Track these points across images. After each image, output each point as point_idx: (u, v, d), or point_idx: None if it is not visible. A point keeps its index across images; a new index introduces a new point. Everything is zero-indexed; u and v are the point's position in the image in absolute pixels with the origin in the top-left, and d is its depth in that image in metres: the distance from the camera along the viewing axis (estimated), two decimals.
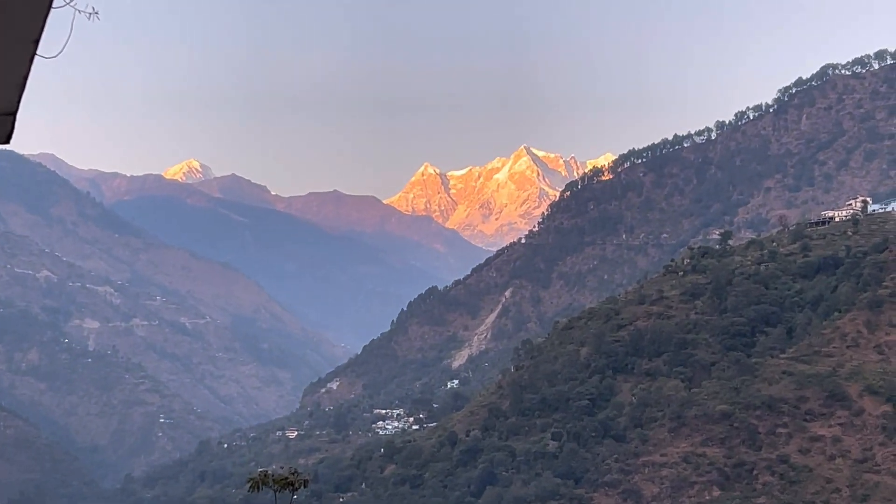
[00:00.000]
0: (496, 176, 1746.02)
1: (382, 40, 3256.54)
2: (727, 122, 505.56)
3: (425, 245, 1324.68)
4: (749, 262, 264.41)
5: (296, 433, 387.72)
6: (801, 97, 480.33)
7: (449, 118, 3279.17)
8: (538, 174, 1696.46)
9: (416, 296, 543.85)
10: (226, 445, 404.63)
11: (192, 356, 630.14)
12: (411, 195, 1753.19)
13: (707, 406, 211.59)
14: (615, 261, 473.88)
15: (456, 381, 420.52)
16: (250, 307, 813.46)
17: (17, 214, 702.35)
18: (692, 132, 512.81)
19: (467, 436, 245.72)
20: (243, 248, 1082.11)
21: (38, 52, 12.60)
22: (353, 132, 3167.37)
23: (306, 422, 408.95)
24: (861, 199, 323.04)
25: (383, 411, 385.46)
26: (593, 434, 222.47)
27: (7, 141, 14.71)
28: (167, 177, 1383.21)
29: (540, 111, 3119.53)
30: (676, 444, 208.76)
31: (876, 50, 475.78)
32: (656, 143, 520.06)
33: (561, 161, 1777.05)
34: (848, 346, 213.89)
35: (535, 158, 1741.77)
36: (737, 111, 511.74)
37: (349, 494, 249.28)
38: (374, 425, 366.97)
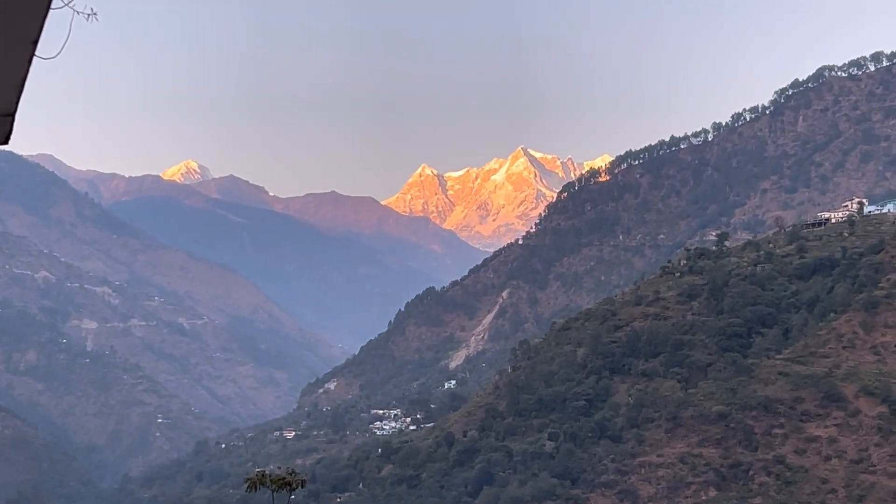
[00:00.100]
0: (493, 177, 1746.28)
1: (380, 42, 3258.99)
2: (724, 124, 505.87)
3: (423, 246, 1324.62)
4: (745, 264, 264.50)
5: (293, 433, 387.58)
6: (797, 99, 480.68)
7: (446, 119, 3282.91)
8: (535, 175, 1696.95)
9: (413, 296, 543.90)
10: (223, 445, 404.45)
11: (190, 357, 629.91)
12: (409, 196, 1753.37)
13: (703, 407, 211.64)
14: (612, 262, 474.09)
15: (453, 382, 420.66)
16: (248, 308, 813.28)
17: (15, 215, 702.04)
18: (689, 134, 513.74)
19: (464, 436, 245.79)
20: (241, 248, 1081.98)
21: (36, 53, 12.61)
22: (351, 133, 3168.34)
23: (304, 422, 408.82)
24: (857, 200, 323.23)
25: (380, 412, 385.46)
26: (590, 434, 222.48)
27: (6, 141, 14.72)
28: (165, 178, 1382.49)
29: (537, 113, 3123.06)
30: (673, 444, 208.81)
31: (872, 52, 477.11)
32: (653, 144, 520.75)
33: (558, 162, 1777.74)
34: (844, 347, 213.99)
35: (532, 160, 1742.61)
36: (733, 113, 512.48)
37: (346, 494, 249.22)
38: (371, 426, 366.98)
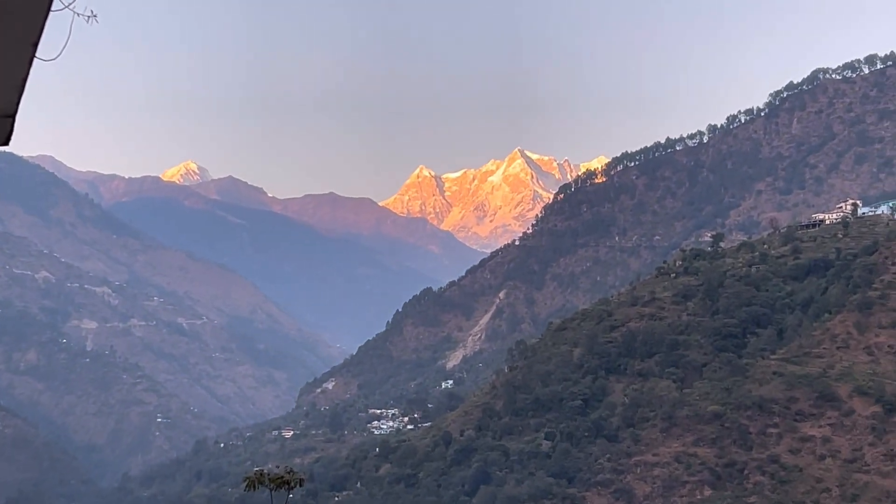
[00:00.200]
0: (490, 178, 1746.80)
1: (379, 45, 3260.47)
2: (719, 126, 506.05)
3: (420, 247, 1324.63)
4: (740, 264, 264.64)
5: (292, 433, 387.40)
6: (792, 101, 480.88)
7: (444, 121, 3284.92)
8: (532, 177, 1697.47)
9: (411, 297, 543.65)
10: (222, 445, 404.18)
11: (190, 356, 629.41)
12: (406, 197, 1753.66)
13: (698, 406, 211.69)
14: (608, 262, 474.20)
15: (450, 382, 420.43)
16: (247, 308, 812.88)
17: (15, 216, 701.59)
18: (684, 135, 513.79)
19: (461, 435, 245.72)
20: (240, 249, 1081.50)
21: (37, 54, 12.60)
22: (349, 135, 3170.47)
23: (302, 421, 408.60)
24: (851, 201, 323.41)
25: (378, 411, 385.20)
26: (586, 434, 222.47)
27: (6, 143, 14.71)
28: (165, 179, 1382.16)
29: (534, 114, 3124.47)
30: (668, 443, 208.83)
31: (866, 54, 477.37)
32: (649, 146, 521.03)
33: (555, 164, 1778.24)
34: (838, 348, 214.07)
35: (529, 161, 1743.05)
36: (728, 115, 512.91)
37: (344, 493, 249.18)
38: (369, 425, 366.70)
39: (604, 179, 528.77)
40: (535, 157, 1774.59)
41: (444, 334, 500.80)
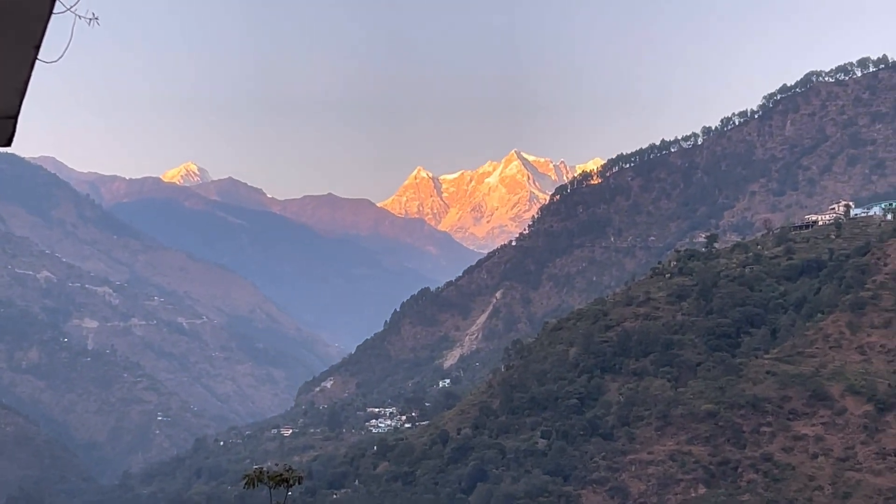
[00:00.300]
0: (487, 180, 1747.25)
1: (377, 48, 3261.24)
2: (713, 128, 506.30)
3: (418, 247, 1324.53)
4: (734, 265, 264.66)
5: (290, 431, 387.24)
6: (785, 103, 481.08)
7: (441, 123, 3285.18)
8: (528, 178, 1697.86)
9: (408, 297, 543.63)
10: (222, 443, 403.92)
11: (189, 355, 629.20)
12: (404, 198, 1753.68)
13: (693, 405, 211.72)
14: (603, 263, 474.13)
15: (447, 381, 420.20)
16: (246, 308, 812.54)
17: (17, 216, 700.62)
18: (679, 137, 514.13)
19: (458, 434, 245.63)
20: (240, 249, 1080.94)
21: (39, 56, 12.60)
22: (348, 136, 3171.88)
23: (301, 420, 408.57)
24: (844, 203, 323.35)
25: (376, 410, 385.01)
26: (581, 432, 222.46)
27: (8, 144, 14.71)
28: (165, 180, 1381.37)
29: (530, 116, 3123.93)
30: (663, 442, 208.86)
31: (859, 58, 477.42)
32: (644, 147, 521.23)
33: (551, 165, 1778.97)
34: (831, 347, 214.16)
35: (525, 163, 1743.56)
36: (723, 117, 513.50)
37: (343, 491, 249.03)
38: (367, 423, 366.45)
39: (599, 181, 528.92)
40: (531, 158, 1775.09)
41: (441, 334, 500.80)
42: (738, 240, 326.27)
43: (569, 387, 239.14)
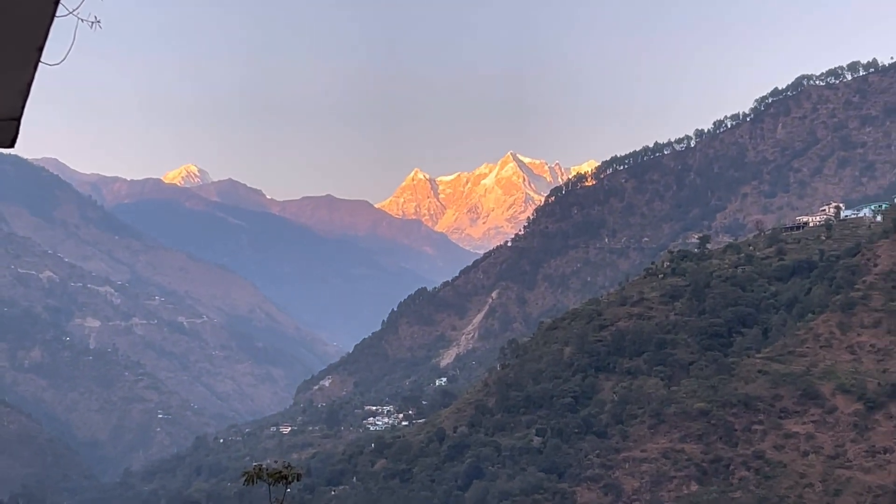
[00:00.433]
0: (484, 181, 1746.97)
1: (375, 51, 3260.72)
2: (706, 131, 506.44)
3: (415, 248, 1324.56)
4: (726, 266, 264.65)
5: (289, 429, 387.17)
6: (776, 107, 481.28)
7: (438, 125, 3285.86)
8: (524, 180, 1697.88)
9: (406, 297, 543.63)
10: (222, 440, 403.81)
11: (190, 354, 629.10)
12: (402, 199, 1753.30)
13: (685, 404, 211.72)
14: (598, 263, 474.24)
15: (444, 379, 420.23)
16: (246, 307, 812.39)
17: (20, 217, 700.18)
18: (672, 140, 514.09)
19: (455, 432, 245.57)
20: (239, 250, 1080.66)
21: (41, 59, 12.59)
22: (346, 138, 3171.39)
23: (300, 418, 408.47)
24: (834, 205, 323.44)
25: (374, 408, 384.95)
26: (576, 430, 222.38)
27: (12, 145, 14.70)
28: (166, 181, 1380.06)
29: (526, 119, 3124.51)
30: (656, 440, 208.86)
31: (849, 61, 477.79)
32: (638, 150, 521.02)
33: (546, 167, 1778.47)
34: (821, 347, 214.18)
35: (521, 164, 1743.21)
36: (715, 120, 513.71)
37: (341, 488, 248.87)
38: (364, 421, 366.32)
39: (594, 182, 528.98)
40: (527, 160, 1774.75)
41: (438, 333, 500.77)
42: (731, 241, 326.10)
43: (563, 385, 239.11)
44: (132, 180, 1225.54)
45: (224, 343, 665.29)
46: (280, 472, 30.69)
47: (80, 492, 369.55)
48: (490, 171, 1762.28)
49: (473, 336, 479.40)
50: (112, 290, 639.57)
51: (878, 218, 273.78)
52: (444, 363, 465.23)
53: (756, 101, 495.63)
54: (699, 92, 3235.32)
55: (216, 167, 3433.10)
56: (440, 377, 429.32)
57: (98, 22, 14.24)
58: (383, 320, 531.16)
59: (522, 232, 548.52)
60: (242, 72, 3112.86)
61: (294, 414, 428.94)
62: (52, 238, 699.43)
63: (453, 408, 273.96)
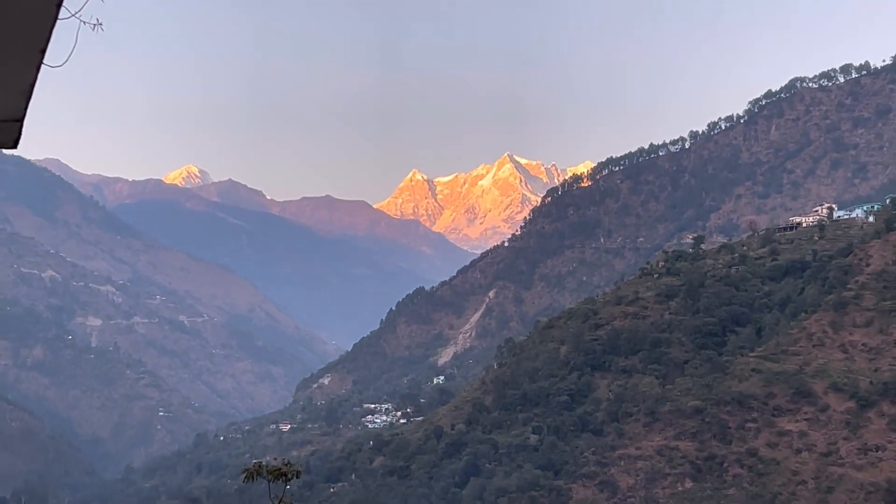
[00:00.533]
0: (481, 182, 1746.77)
1: (374, 54, 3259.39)
2: (700, 132, 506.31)
3: (413, 248, 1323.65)
4: (720, 266, 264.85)
5: (289, 426, 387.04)
6: (770, 109, 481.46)
7: (436, 127, 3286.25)
8: (521, 181, 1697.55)
9: (404, 296, 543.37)
10: (222, 438, 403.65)
11: (191, 353, 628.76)
12: (400, 200, 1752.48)
13: (680, 402, 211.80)
14: (594, 263, 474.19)
15: (442, 378, 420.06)
16: (246, 306, 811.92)
17: (23, 217, 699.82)
18: (667, 141, 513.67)
19: (452, 429, 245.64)
20: (240, 250, 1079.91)
21: (44, 61, 12.58)
22: (345, 140, 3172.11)
23: (299, 416, 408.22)
24: (827, 205, 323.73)
25: (372, 406, 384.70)
26: (572, 428, 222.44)
27: (15, 146, 14.68)
28: (167, 182, 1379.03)
29: (523, 121, 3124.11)
30: (651, 437, 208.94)
31: (842, 64, 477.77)
32: (633, 151, 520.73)
33: (542, 168, 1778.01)
34: (814, 346, 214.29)
35: (517, 166, 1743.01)
36: (709, 121, 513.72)
37: (339, 485, 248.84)
38: (363, 419, 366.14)
39: (590, 183, 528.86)
40: (523, 161, 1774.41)
41: (435, 332, 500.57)
42: (725, 241, 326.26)
43: (560, 384, 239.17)
44: (133, 181, 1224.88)
45: (224, 342, 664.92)
46: (280, 469, 30.66)
47: (82, 488, 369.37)
48: (487, 172, 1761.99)
49: (471, 335, 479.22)
50: (113, 290, 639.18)
51: (871, 219, 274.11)
52: (441, 362, 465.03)
53: (750, 102, 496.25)
54: (694, 94, 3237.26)
55: (217, 168, 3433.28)
56: (438, 375, 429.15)
57: (100, 24, 14.24)
58: (382, 319, 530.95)
59: (519, 232, 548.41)
60: (242, 74, 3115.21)
61: (293, 412, 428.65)
62: (55, 238, 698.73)
63: (451, 406, 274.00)
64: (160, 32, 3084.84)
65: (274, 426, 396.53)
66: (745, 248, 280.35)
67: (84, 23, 13.56)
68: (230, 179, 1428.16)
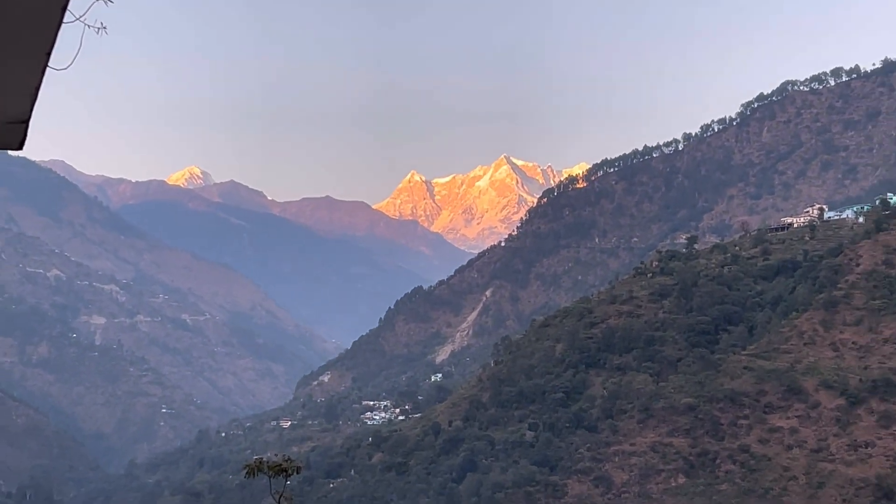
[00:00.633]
0: (478, 183, 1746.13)
1: (373, 57, 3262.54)
2: (693, 134, 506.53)
3: (412, 248, 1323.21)
4: (713, 265, 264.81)
5: (289, 423, 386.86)
6: (762, 111, 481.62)
7: (434, 129, 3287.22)
8: (517, 182, 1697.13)
9: (402, 295, 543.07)
10: (223, 434, 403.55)
11: (193, 350, 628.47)
12: (399, 201, 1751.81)
13: (673, 399, 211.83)
14: (588, 263, 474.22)
15: (439, 375, 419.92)
16: (247, 305, 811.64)
17: (28, 217, 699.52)
18: (661, 143, 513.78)
19: (450, 426, 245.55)
20: (241, 249, 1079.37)
21: (49, 64, 12.58)
22: (345, 142, 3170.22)
23: (299, 412, 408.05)
24: (817, 206, 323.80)
25: (371, 403, 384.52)
26: (567, 425, 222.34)
27: (20, 147, 14.68)
28: (170, 182, 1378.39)
29: (519, 123, 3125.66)
30: (645, 434, 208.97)
31: (832, 67, 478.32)
32: (627, 153, 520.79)
33: (538, 170, 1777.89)
34: (805, 344, 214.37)
35: (514, 167, 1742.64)
36: (702, 124, 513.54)
37: (339, 480, 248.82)
38: (362, 416, 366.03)
39: (585, 184, 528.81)
40: (520, 163, 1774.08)
41: (433, 330, 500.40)
42: (717, 241, 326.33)
43: (555, 381, 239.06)
44: (137, 182, 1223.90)
45: (226, 339, 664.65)
46: (280, 464, 30.67)
47: (86, 483, 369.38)
48: (484, 174, 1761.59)
49: (468, 333, 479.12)
50: (117, 288, 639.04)
51: (860, 219, 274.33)
52: (439, 359, 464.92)
53: (742, 105, 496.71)
54: (687, 97, 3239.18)
55: (219, 169, 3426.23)
56: (435, 373, 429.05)
57: (104, 28, 14.22)
58: (380, 318, 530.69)
59: (515, 232, 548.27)
60: (245, 77, 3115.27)
61: (294, 408, 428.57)
62: (60, 237, 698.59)
63: (448, 402, 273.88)
64: (164, 37, 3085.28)
65: (274, 423, 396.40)
66: (737, 248, 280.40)
67: (88, 27, 13.55)
68: (232, 180, 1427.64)
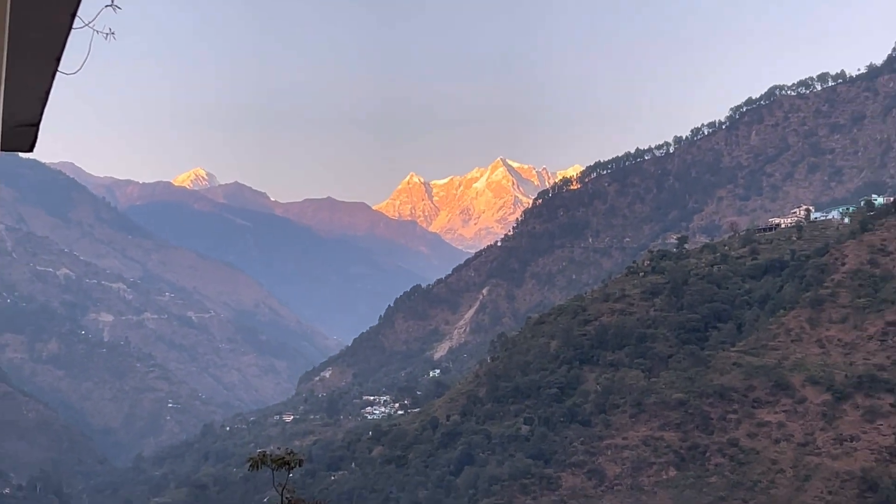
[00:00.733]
0: (475, 185, 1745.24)
1: (373, 60, 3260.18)
2: (684, 138, 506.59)
3: (411, 247, 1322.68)
4: (703, 264, 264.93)
5: (292, 417, 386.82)
6: (750, 115, 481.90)
7: (433, 132, 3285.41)
8: (513, 183, 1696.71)
9: (402, 293, 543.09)
10: (228, 428, 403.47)
11: (198, 347, 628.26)
12: (398, 202, 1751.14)
13: (664, 394, 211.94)
14: (582, 262, 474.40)
15: (437, 371, 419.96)
16: (251, 303, 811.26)
17: (38, 217, 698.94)
18: (652, 146, 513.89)
19: (447, 420, 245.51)
20: (245, 249, 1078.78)
21: (59, 68, 12.59)
22: (346, 144, 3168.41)
23: (301, 407, 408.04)
24: (804, 207, 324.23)
25: (371, 398, 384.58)
26: (561, 419, 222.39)
27: (31, 150, 14.70)
28: (176, 184, 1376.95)
29: (515, 126, 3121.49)
30: (637, 428, 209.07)
31: (819, 73, 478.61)
32: (620, 155, 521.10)
33: (534, 172, 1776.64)
34: (792, 341, 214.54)
35: (510, 169, 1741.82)
36: (693, 127, 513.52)
37: (340, 473, 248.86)
38: (363, 410, 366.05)
39: (579, 186, 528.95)
40: (515, 165, 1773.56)
41: (431, 327, 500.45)
42: (707, 241, 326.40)
43: (550, 377, 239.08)
44: (144, 183, 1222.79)
45: (230, 336, 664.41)
46: (283, 458, 30.69)
47: (94, 476, 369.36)
48: (481, 176, 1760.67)
49: (465, 330, 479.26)
50: (125, 287, 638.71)
51: (846, 220, 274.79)
52: (437, 356, 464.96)
53: (731, 109, 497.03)
54: (678, 101, 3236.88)
55: (223, 171, 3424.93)
56: (434, 369, 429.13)
57: (112, 34, 14.22)
58: (380, 315, 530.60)
59: (511, 232, 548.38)
60: (248, 81, 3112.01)
61: (296, 403, 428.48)
62: (69, 237, 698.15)
63: (446, 398, 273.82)
64: (170, 42, 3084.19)
65: (277, 417, 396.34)
66: (726, 247, 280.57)
67: (97, 32, 13.56)
68: (236, 182, 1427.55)
